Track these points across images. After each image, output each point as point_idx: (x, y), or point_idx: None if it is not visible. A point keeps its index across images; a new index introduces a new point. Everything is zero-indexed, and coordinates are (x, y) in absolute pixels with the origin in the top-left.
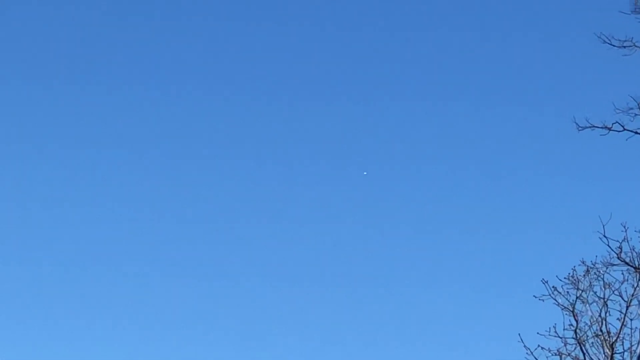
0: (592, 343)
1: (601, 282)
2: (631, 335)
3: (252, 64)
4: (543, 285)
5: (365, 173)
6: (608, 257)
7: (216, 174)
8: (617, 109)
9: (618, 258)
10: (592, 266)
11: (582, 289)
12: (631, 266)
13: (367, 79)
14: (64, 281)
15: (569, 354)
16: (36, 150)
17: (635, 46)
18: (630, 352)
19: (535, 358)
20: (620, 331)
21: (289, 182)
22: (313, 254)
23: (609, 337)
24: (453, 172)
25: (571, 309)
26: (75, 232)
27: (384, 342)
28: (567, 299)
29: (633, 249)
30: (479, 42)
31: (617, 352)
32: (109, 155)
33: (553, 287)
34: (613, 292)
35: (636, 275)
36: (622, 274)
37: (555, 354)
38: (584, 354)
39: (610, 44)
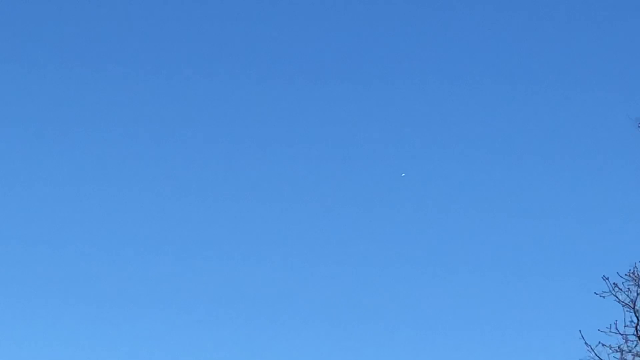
0: None
1: None
2: None
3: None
4: (604, 282)
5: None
6: None
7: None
8: None
9: None
10: None
11: None
12: None
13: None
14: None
15: (629, 351)
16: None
17: None
18: None
19: (597, 355)
20: None
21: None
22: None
23: None
24: (514, 166)
25: (632, 306)
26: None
27: (443, 334)
28: (628, 295)
29: None
30: (531, 38)
31: None
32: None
33: (614, 283)
34: None
35: None
36: None
37: (616, 351)
38: None
39: None
